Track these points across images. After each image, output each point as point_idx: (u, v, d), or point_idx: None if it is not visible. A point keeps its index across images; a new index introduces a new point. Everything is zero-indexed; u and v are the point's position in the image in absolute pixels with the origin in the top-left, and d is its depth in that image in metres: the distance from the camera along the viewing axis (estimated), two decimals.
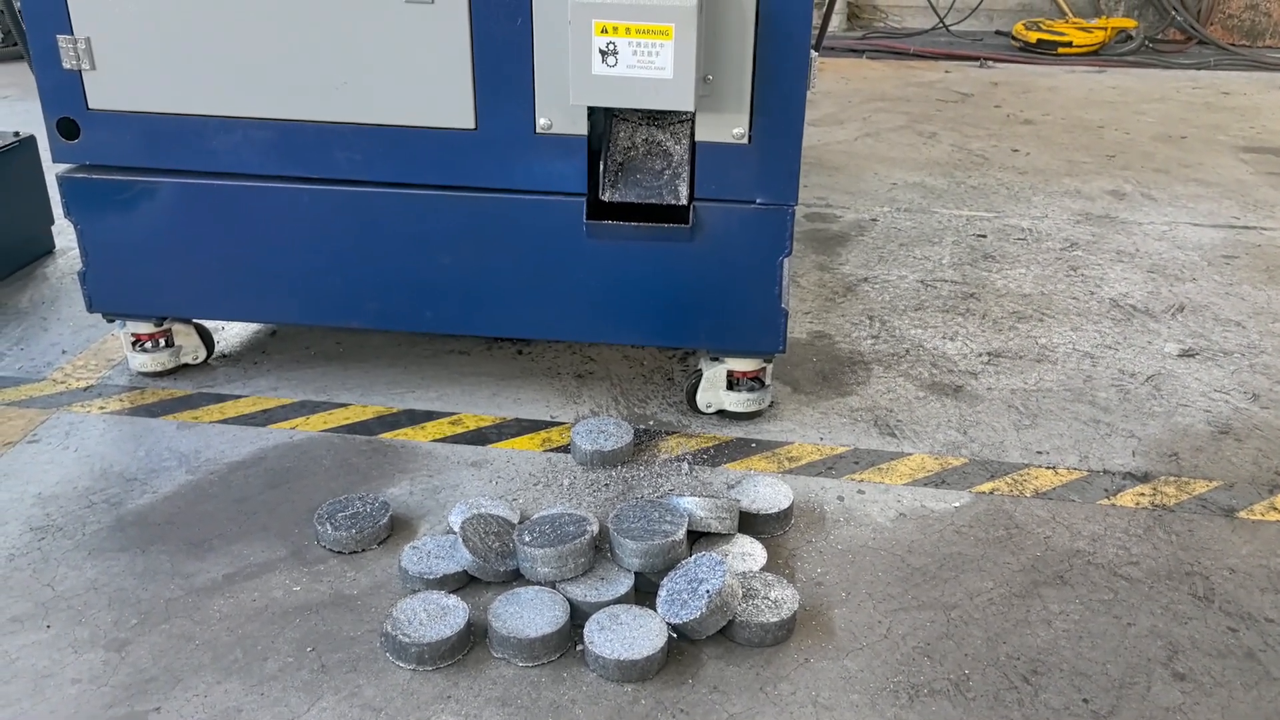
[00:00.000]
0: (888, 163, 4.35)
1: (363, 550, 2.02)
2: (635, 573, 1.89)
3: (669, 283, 2.31)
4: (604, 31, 1.97)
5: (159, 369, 2.60)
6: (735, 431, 2.43)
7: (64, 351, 2.74)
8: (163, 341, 2.59)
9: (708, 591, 1.78)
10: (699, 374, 2.45)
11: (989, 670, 1.77)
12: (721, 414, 2.46)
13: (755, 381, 2.44)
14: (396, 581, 1.94)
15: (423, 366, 2.66)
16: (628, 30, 1.97)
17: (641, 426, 2.43)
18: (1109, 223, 3.71)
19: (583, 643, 1.77)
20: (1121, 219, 3.76)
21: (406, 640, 1.74)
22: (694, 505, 1.97)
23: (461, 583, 1.92)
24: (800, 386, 2.61)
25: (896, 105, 5.32)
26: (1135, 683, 1.75)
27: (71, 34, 2.23)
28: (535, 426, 2.43)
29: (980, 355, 2.79)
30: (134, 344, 2.58)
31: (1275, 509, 2.19)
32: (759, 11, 2.05)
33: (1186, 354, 2.81)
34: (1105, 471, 2.31)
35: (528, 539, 1.88)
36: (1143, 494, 2.23)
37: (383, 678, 1.73)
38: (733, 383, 2.43)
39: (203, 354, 2.65)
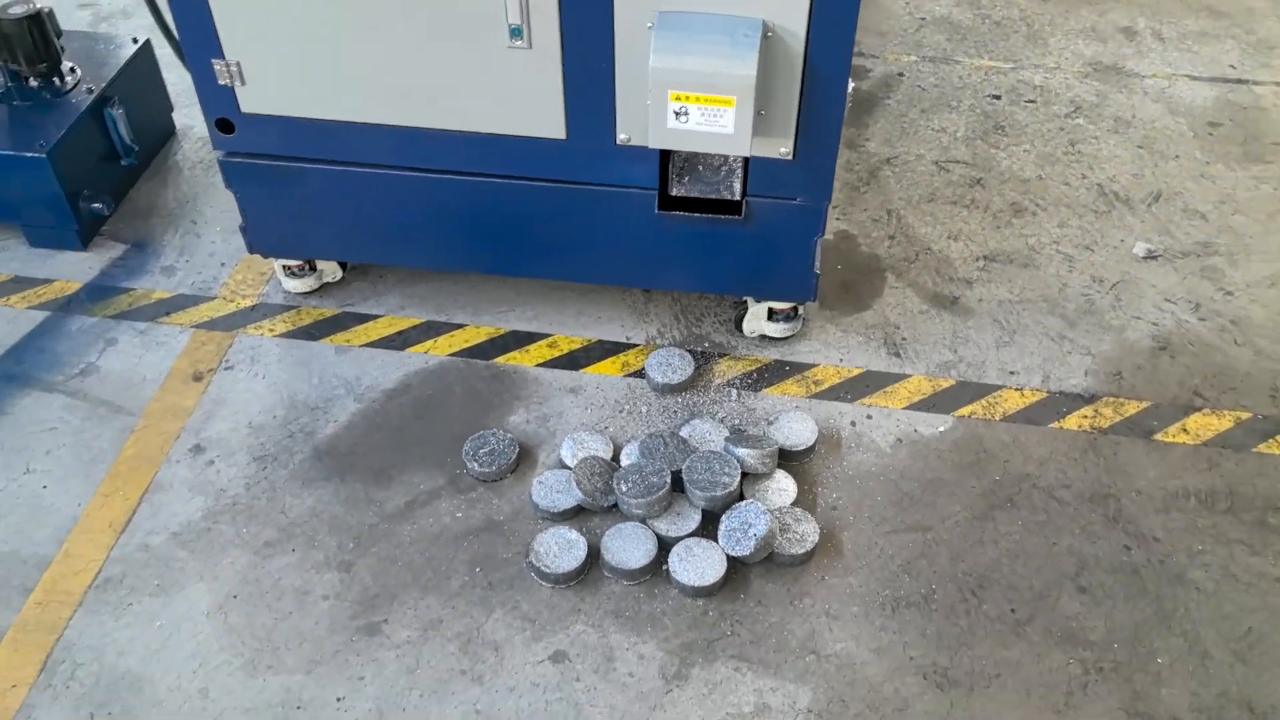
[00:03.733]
0: None
1: (501, 479, 2.76)
2: (702, 510, 2.63)
3: (724, 251, 2.86)
4: (678, 98, 2.41)
5: (307, 290, 3.21)
6: (773, 353, 3.07)
7: (223, 264, 3.34)
8: (308, 267, 3.18)
9: (756, 535, 2.53)
10: (745, 306, 3.06)
11: (949, 585, 2.55)
12: (762, 337, 3.09)
13: (791, 312, 3.04)
14: (529, 509, 2.69)
15: (518, 284, 3.25)
16: (697, 99, 2.41)
17: (698, 349, 3.07)
18: (1114, 77, 4.07)
19: (667, 565, 2.55)
20: (1127, 69, 4.10)
21: (547, 570, 2.52)
22: (745, 454, 2.67)
23: (576, 511, 2.68)
24: (826, 300, 3.21)
25: None
26: (1049, 595, 2.53)
27: (224, 59, 2.65)
28: (615, 349, 3.08)
29: (977, 260, 3.34)
30: (285, 271, 3.18)
31: (1185, 430, 2.87)
32: (806, 65, 2.46)
33: (1150, 256, 3.35)
34: (1061, 393, 2.97)
35: (625, 489, 2.60)
36: (1085, 416, 2.91)
37: (532, 593, 2.53)
38: (772, 314, 3.04)
39: (340, 274, 3.25)
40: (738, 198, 2.74)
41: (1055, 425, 2.89)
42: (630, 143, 2.67)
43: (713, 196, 2.74)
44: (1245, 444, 2.84)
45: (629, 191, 2.77)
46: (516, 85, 2.60)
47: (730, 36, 2.36)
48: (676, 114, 2.44)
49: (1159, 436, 2.86)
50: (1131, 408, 2.93)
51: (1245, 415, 2.91)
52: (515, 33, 2.50)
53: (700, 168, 2.74)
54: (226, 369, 3.03)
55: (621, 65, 2.53)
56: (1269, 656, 2.42)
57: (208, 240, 3.42)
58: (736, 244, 2.84)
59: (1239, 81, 4.05)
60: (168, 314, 3.18)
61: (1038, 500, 2.72)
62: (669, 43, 2.37)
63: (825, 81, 2.49)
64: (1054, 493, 2.73)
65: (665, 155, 2.72)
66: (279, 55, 2.64)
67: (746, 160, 2.68)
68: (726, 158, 2.70)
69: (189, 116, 3.88)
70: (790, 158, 2.63)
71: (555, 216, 2.85)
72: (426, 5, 2.49)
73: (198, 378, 3.00)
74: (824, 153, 2.63)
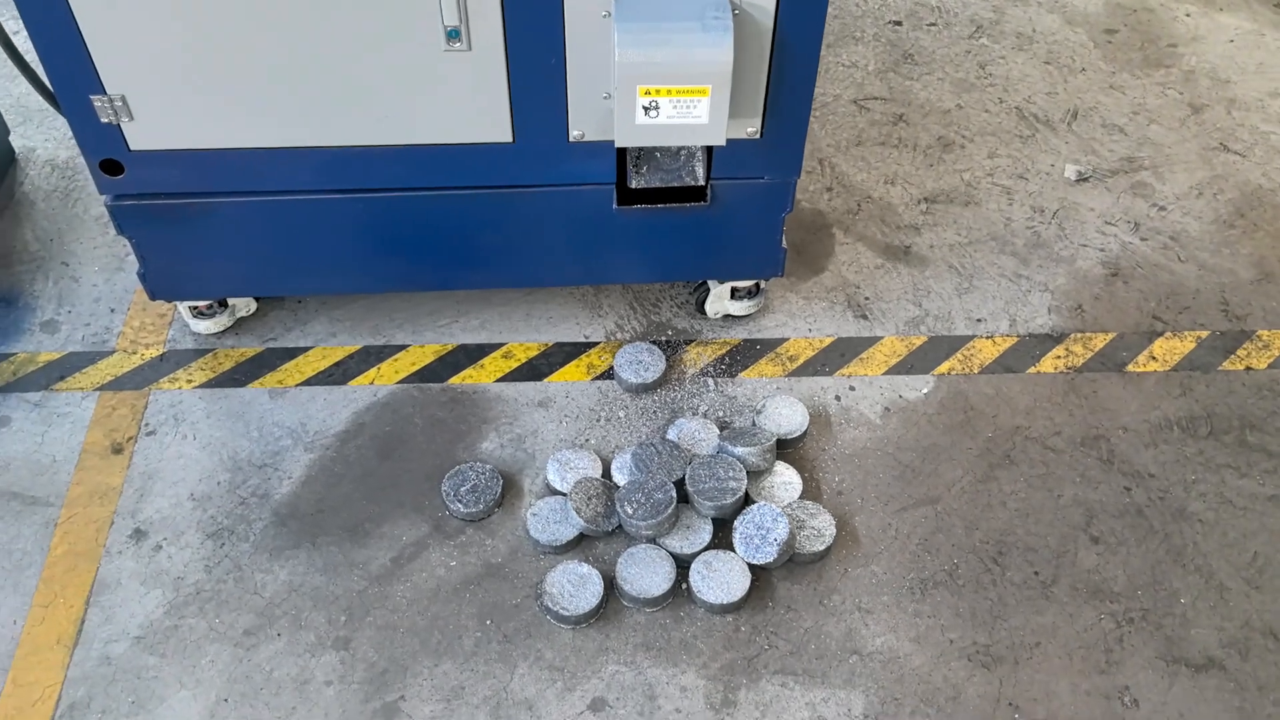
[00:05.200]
0: None
1: (489, 515, 2.56)
2: (711, 518, 2.51)
3: (687, 237, 2.68)
4: (647, 93, 2.20)
5: (220, 329, 2.88)
6: (740, 332, 2.93)
7: (112, 310, 2.95)
8: (218, 304, 2.85)
9: (776, 540, 2.42)
10: (705, 288, 2.90)
11: (969, 557, 2.52)
12: (726, 317, 2.95)
13: (754, 288, 2.90)
14: (527, 545, 2.51)
15: (457, 291, 2.99)
16: (669, 91, 2.20)
17: (662, 337, 2.91)
18: None
19: (688, 584, 2.42)
20: None
21: (565, 612, 2.36)
22: (745, 453, 2.55)
23: (578, 540, 2.51)
24: None
25: None
26: (1067, 550, 2.53)
27: (105, 94, 2.28)
28: (575, 351, 2.88)
29: (919, 203, 3.27)
30: (192, 311, 2.83)
31: (1153, 358, 2.90)
32: (775, 39, 2.28)
33: (1082, 179, 3.35)
34: (1030, 335, 2.94)
35: (630, 511, 2.45)
36: (1059, 356, 2.90)
37: (553, 638, 2.37)
38: (734, 292, 2.90)
39: (254, 306, 2.92)
40: (701, 183, 2.55)
41: (1032, 370, 2.87)
42: (585, 139, 2.44)
43: (675, 185, 2.55)
44: (1210, 363, 2.89)
45: (583, 189, 2.55)
46: (455, 91, 2.33)
47: (699, 20, 2.16)
48: (646, 109, 2.23)
49: (1131, 368, 2.88)
50: (1099, 341, 2.94)
51: (1204, 334, 2.96)
52: (452, 34, 2.22)
53: (659, 155, 2.55)
54: (148, 434, 2.69)
55: (573, 59, 2.29)
56: (1279, 579, 2.49)
57: (88, 283, 3.02)
58: (700, 229, 2.66)
59: None
60: (62, 378, 2.80)
61: (1034, 452, 2.70)
62: (633, 33, 2.15)
63: (796, 55, 2.32)
64: (1047, 442, 2.72)
65: (622, 148, 2.50)
66: (173, 82, 2.28)
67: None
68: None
69: (26, 137, 3.41)
70: (758, 136, 2.46)
71: (503, 223, 2.61)
72: (348, 13, 2.18)
73: (118, 449, 2.66)
74: (794, 128, 2.47)
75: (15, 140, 3.37)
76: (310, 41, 2.23)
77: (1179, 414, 2.78)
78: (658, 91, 2.20)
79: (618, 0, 2.18)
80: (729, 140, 2.46)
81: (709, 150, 2.51)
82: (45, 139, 3.41)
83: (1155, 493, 2.63)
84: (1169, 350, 2.92)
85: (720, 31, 2.15)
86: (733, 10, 2.20)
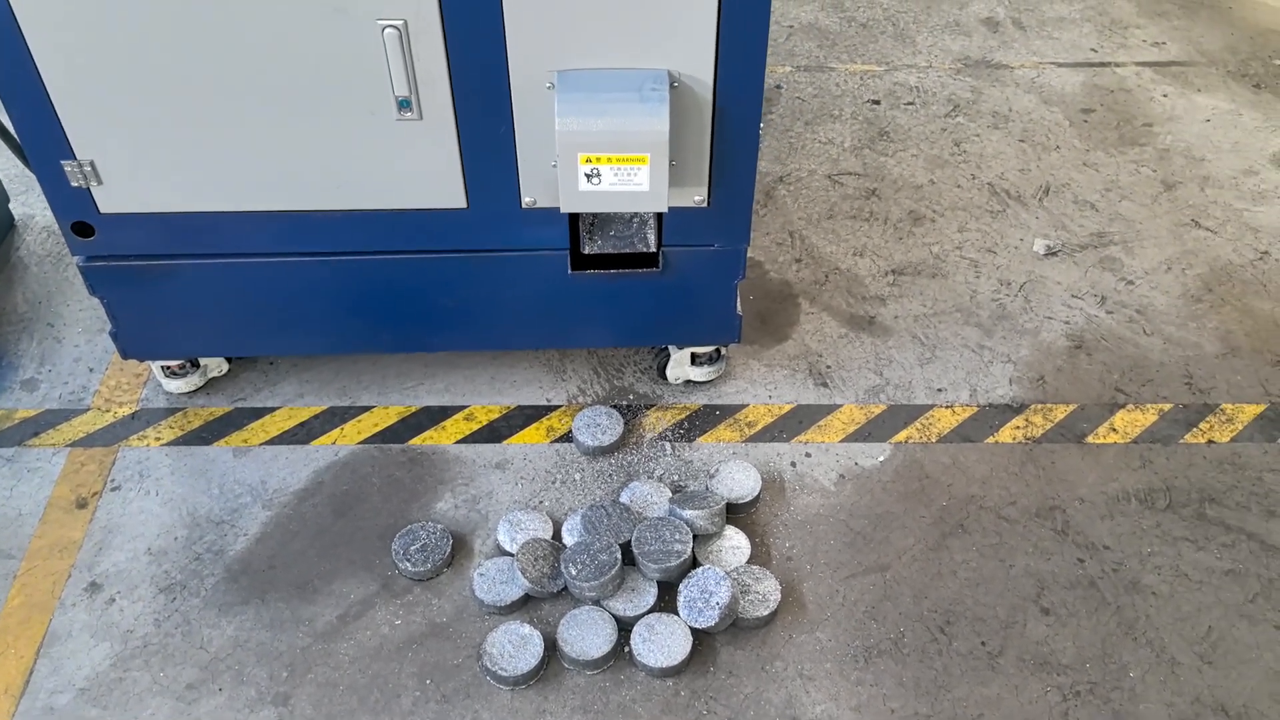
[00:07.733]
0: None
1: (437, 575, 2.58)
2: (657, 580, 2.51)
3: (643, 302, 2.73)
4: (588, 160, 2.27)
5: (191, 389, 2.95)
6: (700, 398, 2.96)
7: (91, 369, 3.04)
8: (190, 364, 2.92)
9: (719, 604, 2.42)
10: (667, 353, 2.94)
11: (916, 626, 2.50)
12: (688, 383, 2.98)
13: (715, 354, 2.94)
14: (473, 605, 2.52)
15: (424, 355, 3.06)
16: (609, 159, 2.27)
17: (623, 403, 2.94)
18: (985, 70, 4.10)
19: (630, 647, 2.42)
20: (996, 62, 4.14)
21: (504, 673, 2.36)
22: (693, 517, 2.56)
23: (524, 601, 2.52)
24: (745, 335, 3.12)
25: None
26: (1016, 621, 2.50)
27: (75, 159, 2.39)
28: (536, 414, 2.92)
29: (886, 275, 3.31)
30: (165, 371, 2.91)
31: (1114, 430, 2.89)
32: (715, 111, 2.35)
33: (1050, 253, 3.38)
34: (991, 405, 2.95)
35: (575, 572, 2.46)
36: (1018, 427, 2.90)
37: (491, 700, 2.37)
38: (695, 358, 2.93)
39: (225, 366, 3.00)
40: (653, 249, 2.61)
41: (990, 440, 2.87)
42: (536, 205, 2.51)
43: (627, 251, 2.61)
44: (1171, 436, 2.88)
45: (538, 254, 2.62)
46: (409, 158, 2.41)
47: (638, 92, 2.23)
48: (588, 176, 2.30)
49: (1091, 439, 2.87)
50: (1059, 412, 2.94)
51: (1167, 407, 2.95)
52: (404, 104, 2.31)
53: (612, 222, 2.61)
54: (113, 490, 2.75)
55: (521, 128, 2.37)
56: (1232, 655, 2.44)
57: (70, 344, 3.11)
58: (655, 294, 2.72)
59: (1102, 64, 4.14)
60: (36, 434, 2.87)
61: (987, 522, 2.69)
62: (573, 104, 2.23)
63: (736, 126, 2.39)
64: (1001, 512, 2.71)
65: (575, 214, 2.58)
66: (139, 149, 2.38)
67: (659, 213, 2.56)
68: (639, 211, 2.57)
69: (27, 205, 3.55)
70: (705, 205, 2.53)
71: (461, 287, 2.68)
72: (303, 84, 2.28)
73: (82, 504, 2.72)
74: (739, 197, 2.53)
75: (15, 207, 3.51)
76: (271, 110, 2.33)
77: (1137, 486, 2.76)
78: (598, 159, 2.27)
79: (560, 72, 2.26)
80: (678, 208, 2.52)
81: (659, 218, 2.58)
82: (44, 206, 3.54)
83: (1109, 565, 2.60)
84: (1130, 423, 2.91)
85: (657, 103, 2.23)
86: (671, 83, 2.27)
